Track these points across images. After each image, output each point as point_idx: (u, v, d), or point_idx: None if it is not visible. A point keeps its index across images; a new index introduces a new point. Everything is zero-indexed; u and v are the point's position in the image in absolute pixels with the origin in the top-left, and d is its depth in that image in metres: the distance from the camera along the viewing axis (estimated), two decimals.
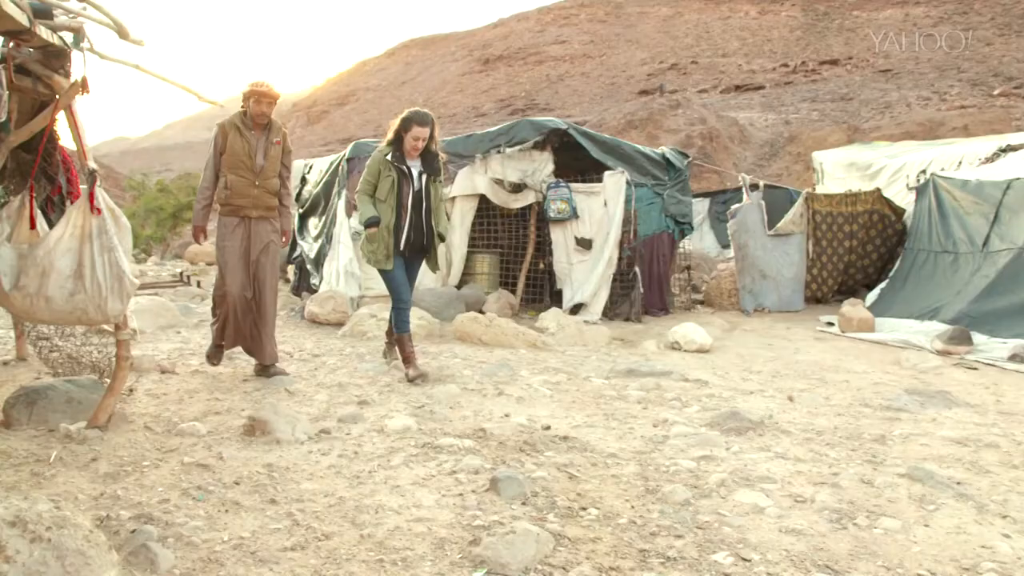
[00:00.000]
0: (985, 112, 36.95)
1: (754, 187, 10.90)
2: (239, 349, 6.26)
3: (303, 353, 7.23)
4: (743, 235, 10.40)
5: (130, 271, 4.09)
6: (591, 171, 10.23)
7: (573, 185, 9.92)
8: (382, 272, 6.13)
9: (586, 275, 9.65)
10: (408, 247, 6.11)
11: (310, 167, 13.14)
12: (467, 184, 10.16)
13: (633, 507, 3.38)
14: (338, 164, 11.27)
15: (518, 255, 10.73)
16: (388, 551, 2.84)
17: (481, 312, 9.00)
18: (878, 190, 10.96)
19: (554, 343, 7.86)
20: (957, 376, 7.04)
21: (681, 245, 10.98)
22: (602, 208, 9.72)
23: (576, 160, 10.36)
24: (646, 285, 10.00)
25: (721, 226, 14.61)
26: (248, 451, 3.97)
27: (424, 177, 6.10)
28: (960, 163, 11.45)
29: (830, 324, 9.30)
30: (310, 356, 7.10)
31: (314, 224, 12.00)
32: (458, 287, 10.20)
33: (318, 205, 12.00)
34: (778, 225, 10.54)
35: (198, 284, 13.12)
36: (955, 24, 65.26)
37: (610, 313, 9.75)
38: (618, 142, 10.49)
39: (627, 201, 9.73)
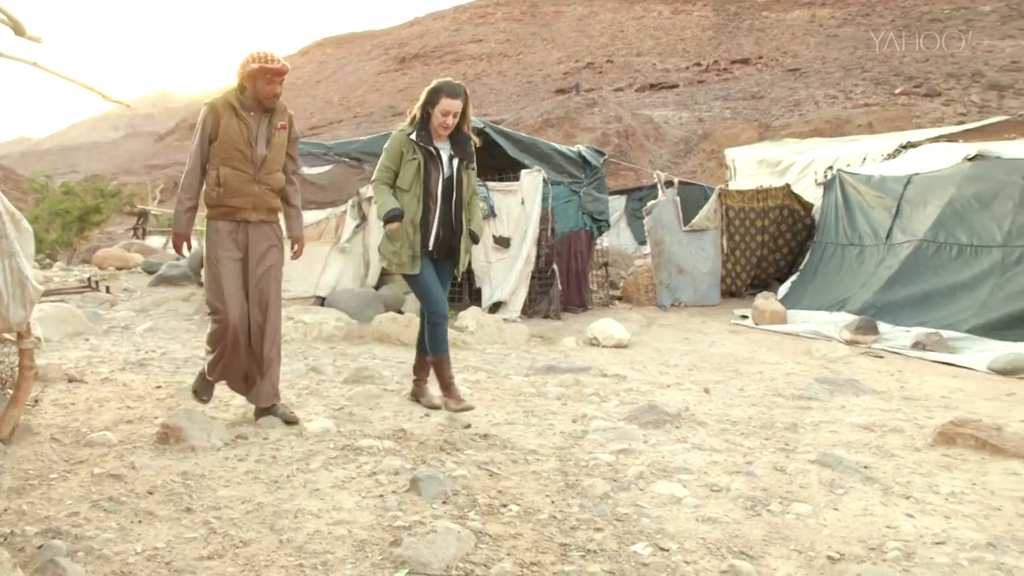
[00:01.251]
0: (888, 110, 38.35)
1: (669, 184, 11.09)
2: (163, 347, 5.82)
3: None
4: (659, 231, 10.58)
5: (33, 277, 3.93)
6: (508, 170, 10.27)
7: (490, 184, 9.95)
8: (408, 278, 5.05)
9: (505, 273, 9.68)
10: (437, 247, 5.00)
11: None
12: None
13: (553, 502, 3.41)
14: None
15: None
16: (308, 555, 2.81)
17: (400, 312, 8.96)
18: (788, 186, 11.29)
19: (474, 342, 7.87)
20: (864, 364, 7.30)
21: (598, 242, 11.11)
22: (519, 206, 9.76)
23: (493, 159, 10.38)
24: (564, 282, 10.09)
25: (638, 223, 14.83)
26: (162, 459, 3.87)
27: (455, 162, 5.02)
28: (864, 159, 11.86)
29: (744, 317, 9.53)
30: None
31: None
32: (376, 287, 10.13)
33: None
34: (693, 221, 10.76)
35: (107, 290, 12.71)
36: (859, 25, 67.53)
37: (529, 311, 9.81)
38: (535, 141, 10.56)
39: (544, 199, 9.79)
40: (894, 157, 11.35)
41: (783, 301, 9.71)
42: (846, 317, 8.86)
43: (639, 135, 33.50)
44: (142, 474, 3.64)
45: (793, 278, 10.38)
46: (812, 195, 11.20)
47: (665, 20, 77.37)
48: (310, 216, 9.83)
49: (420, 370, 5.32)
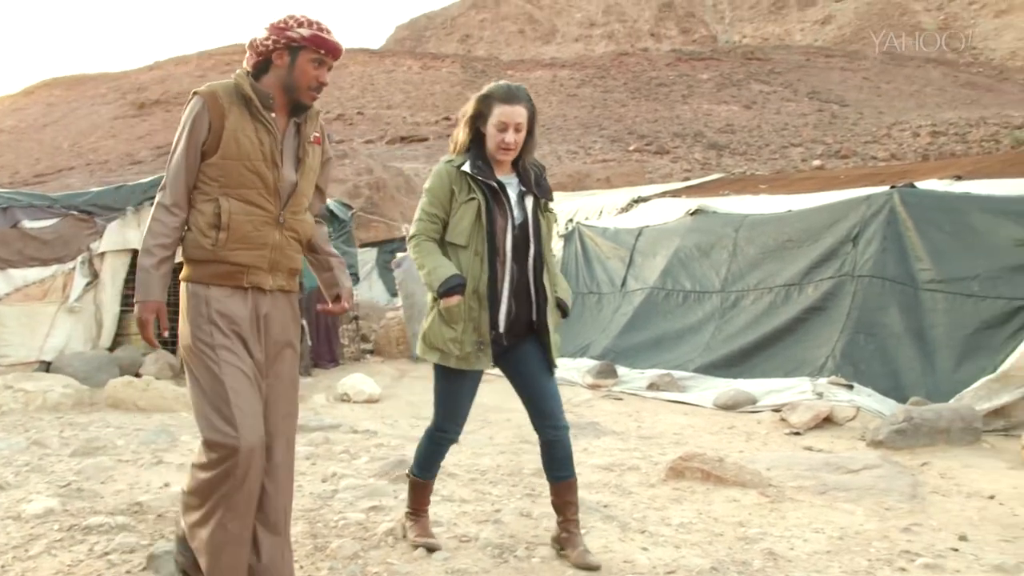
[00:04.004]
0: (623, 165, 41.30)
1: None
2: None
3: None
4: (410, 283, 10.71)
5: None
6: None
7: None
8: (446, 373, 3.47)
9: None
10: (508, 329, 3.41)
11: None
12: (118, 239, 9.50)
13: (302, 567, 3.34)
14: None
15: (177, 313, 10.17)
16: None
17: (137, 375, 8.41)
18: None
19: None
20: (605, 407, 7.75)
21: None
22: None
23: None
24: (314, 337, 9.94)
25: (389, 275, 14.88)
26: None
27: (529, 202, 3.45)
28: (601, 212, 12.68)
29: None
30: None
31: None
32: (111, 349, 9.46)
33: None
34: None
35: None
36: (596, 87, 72.43)
37: None
38: None
39: None
40: (627, 211, 12.24)
41: None
42: (588, 362, 9.37)
43: (390, 187, 33.76)
44: None
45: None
46: (555, 246, 11.82)
47: (414, 75, 79.02)
48: (33, 274, 9.04)
49: (418, 497, 3.76)
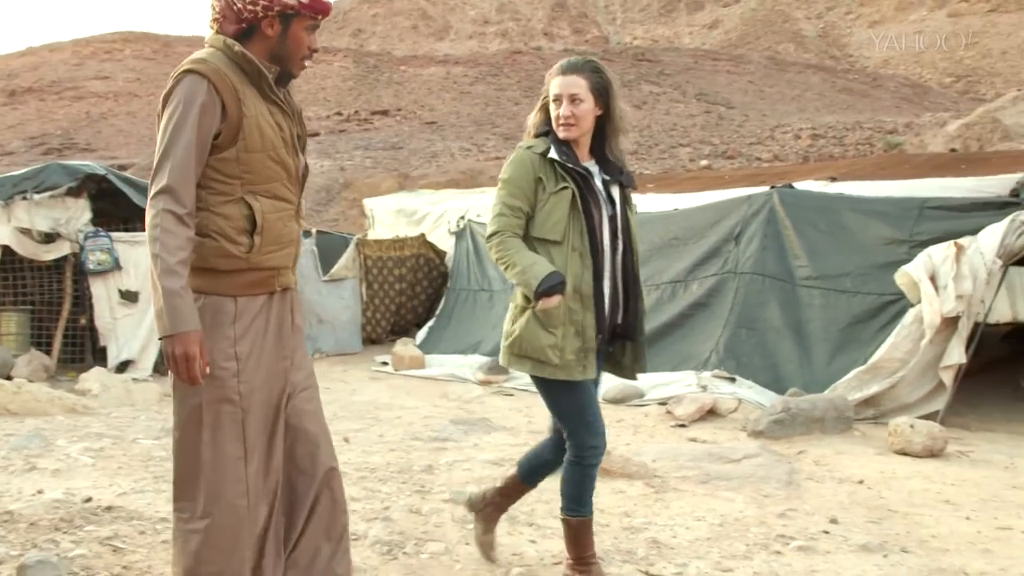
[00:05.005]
0: None
1: (307, 234, 11.11)
2: None
3: None
4: (298, 281, 10.52)
5: None
6: (136, 219, 9.66)
7: (115, 235, 9.29)
8: (557, 385, 3.02)
9: (133, 330, 9.07)
10: (606, 331, 3.09)
11: None
12: None
13: None
14: None
15: (53, 312, 9.75)
16: None
17: (9, 378, 8.02)
18: (423, 235, 11.81)
19: (98, 406, 7.25)
20: (496, 403, 7.80)
21: None
22: (148, 258, 9.21)
23: (118, 208, 9.72)
24: None
25: None
26: None
27: (616, 191, 3.12)
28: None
29: (385, 363, 9.76)
30: None
31: None
32: None
33: None
34: (332, 270, 10.86)
35: None
36: (489, 84, 72.63)
37: (162, 368, 9.24)
38: None
39: None
40: None
41: (421, 346, 10.10)
42: (480, 359, 9.41)
43: None
44: None
45: (430, 323, 10.85)
46: (446, 244, 11.80)
47: (307, 69, 77.62)
48: None
49: (580, 541, 3.18)
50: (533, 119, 3.16)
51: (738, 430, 6.24)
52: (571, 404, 3.03)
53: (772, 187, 8.08)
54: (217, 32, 2.52)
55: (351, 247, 11.15)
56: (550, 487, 4.62)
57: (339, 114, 59.43)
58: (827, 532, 3.93)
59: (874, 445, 5.79)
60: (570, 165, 2.99)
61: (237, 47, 2.45)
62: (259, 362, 2.48)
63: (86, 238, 9.08)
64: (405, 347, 9.79)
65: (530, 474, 3.33)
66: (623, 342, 3.17)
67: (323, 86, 72.85)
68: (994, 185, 7.20)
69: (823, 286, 7.32)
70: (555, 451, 3.22)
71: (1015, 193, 6.90)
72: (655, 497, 4.43)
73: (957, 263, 6.37)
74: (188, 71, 2.40)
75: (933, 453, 5.46)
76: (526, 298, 2.99)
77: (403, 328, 11.64)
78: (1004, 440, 6.24)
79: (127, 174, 10.51)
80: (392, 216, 13.15)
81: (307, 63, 2.62)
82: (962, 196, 7.23)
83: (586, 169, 3.02)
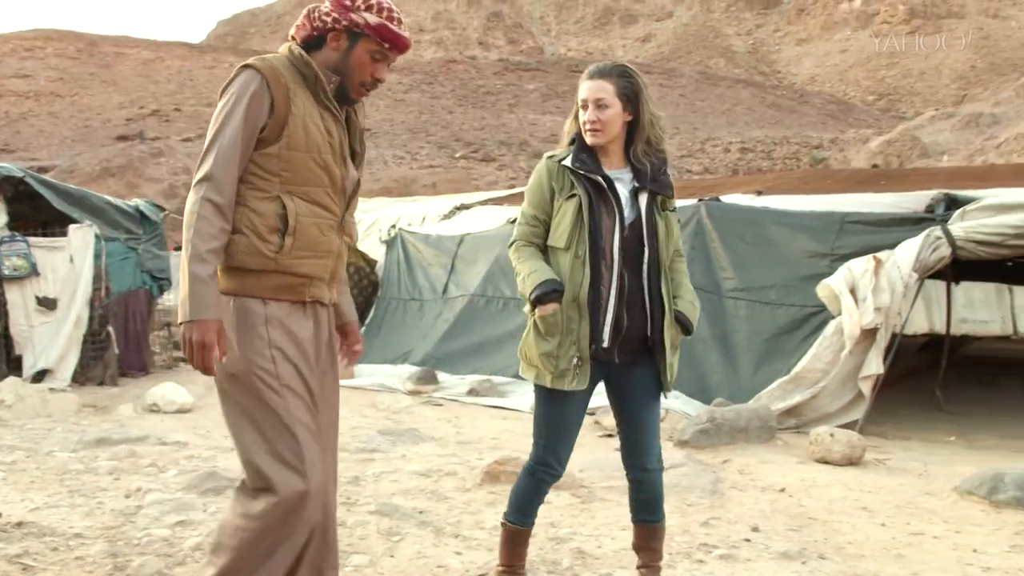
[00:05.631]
0: (450, 172, 41.62)
1: None
2: None
3: None
4: None
5: None
6: (55, 223, 9.39)
7: (32, 239, 9.01)
8: (545, 393, 3.01)
9: (51, 338, 8.80)
10: (618, 345, 2.96)
11: None
12: None
13: None
14: None
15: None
16: None
17: None
18: (353, 243, 11.73)
19: (11, 417, 7.00)
20: (426, 413, 7.77)
21: (160, 301, 10.59)
22: (68, 264, 8.97)
23: (36, 211, 9.43)
24: (122, 345, 9.42)
25: None
26: None
27: (644, 198, 2.98)
28: (424, 219, 12.69)
29: None
30: None
31: None
32: None
33: None
34: None
35: None
36: (423, 92, 72.53)
37: (81, 378, 8.99)
38: (85, 193, 9.81)
39: (97, 256, 9.12)
40: (449, 218, 12.32)
41: None
42: (409, 369, 9.36)
43: None
44: None
45: (361, 333, 10.75)
46: (377, 252, 11.72)
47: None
48: None
49: (512, 549, 3.17)
50: (567, 127, 3.10)
51: (665, 440, 6.29)
52: (551, 416, 3.03)
53: (700, 200, 8.21)
54: (291, 33, 2.58)
55: None
56: (476, 499, 4.62)
57: None
58: (748, 540, 4.00)
59: (796, 454, 5.91)
60: (581, 172, 2.94)
61: (298, 51, 2.50)
62: (293, 371, 2.43)
63: (1, 243, 8.79)
64: None
65: (513, 509, 3.18)
66: (651, 351, 2.99)
67: None
68: (911, 201, 7.44)
69: (748, 298, 7.47)
70: (627, 477, 3.22)
71: (930, 209, 7.14)
72: (581, 507, 4.45)
73: (876, 277, 6.56)
74: (246, 66, 2.45)
75: (852, 461, 5.60)
76: (532, 306, 2.97)
77: None
78: (919, 448, 6.43)
79: (47, 177, 10.24)
80: None
81: (368, 92, 2.58)
82: (881, 211, 7.45)
83: (605, 176, 2.95)
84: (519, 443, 6.35)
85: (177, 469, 5.18)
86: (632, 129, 2.96)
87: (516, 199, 12.65)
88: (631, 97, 2.92)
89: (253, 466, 2.39)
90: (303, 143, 2.43)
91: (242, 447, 2.43)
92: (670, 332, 2.96)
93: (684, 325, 3.00)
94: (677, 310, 2.98)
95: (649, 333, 2.96)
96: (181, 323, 2.28)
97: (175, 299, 13.14)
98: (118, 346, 9.37)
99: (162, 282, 10.17)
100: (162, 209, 10.51)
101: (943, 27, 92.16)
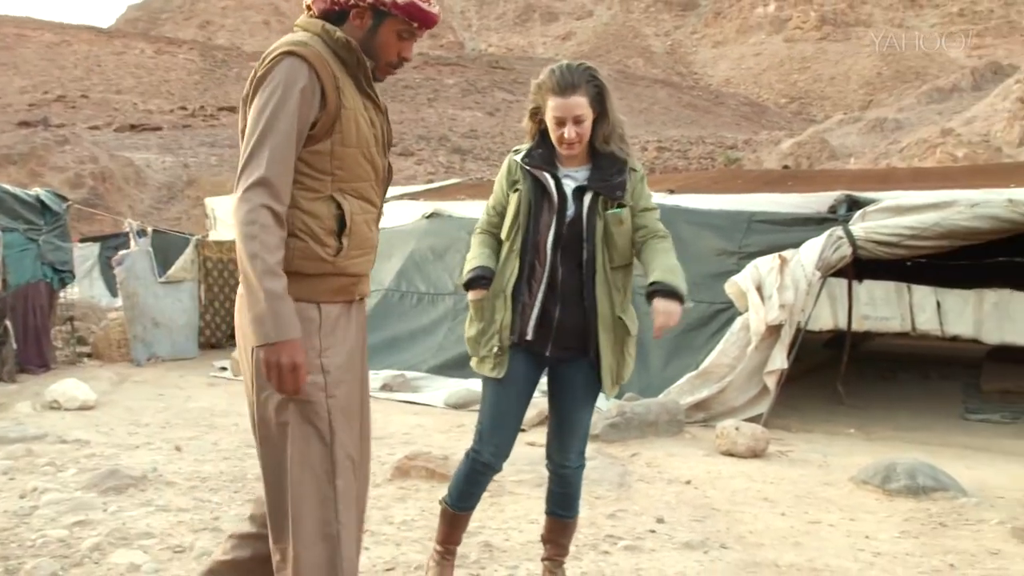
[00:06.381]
0: None
1: (142, 233, 10.63)
2: None
3: None
4: (132, 283, 10.05)
5: None
6: None
7: None
8: (486, 381, 3.07)
9: None
10: (544, 338, 2.98)
11: None
12: None
13: None
14: None
15: None
16: None
17: None
18: None
19: None
20: None
21: (62, 295, 10.23)
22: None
23: None
24: (21, 340, 9.05)
25: (111, 273, 13.95)
26: None
27: (588, 198, 2.96)
28: None
29: (224, 369, 9.45)
30: None
31: None
32: None
33: None
34: (169, 272, 10.44)
35: None
36: None
37: None
38: None
39: None
40: None
41: None
42: None
43: (118, 178, 31.54)
44: None
45: None
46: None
47: (148, 59, 74.26)
48: None
49: (445, 530, 3.22)
50: (526, 125, 3.08)
51: None
52: (483, 400, 3.09)
53: None
54: (308, 12, 2.34)
55: (190, 248, 10.76)
56: (385, 494, 4.61)
57: (184, 108, 57.22)
58: (653, 531, 4.08)
59: (703, 447, 6.05)
60: (527, 167, 2.99)
61: (338, 33, 2.26)
62: (343, 377, 2.28)
63: None
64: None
65: (451, 493, 3.19)
66: (587, 354, 2.99)
67: (166, 78, 69.97)
68: (815, 202, 7.68)
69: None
70: (547, 469, 3.21)
71: (833, 210, 7.38)
72: (490, 501, 4.47)
73: (781, 275, 6.76)
74: (287, 52, 2.19)
75: (756, 453, 5.77)
76: (466, 290, 3.05)
77: None
78: (821, 440, 6.65)
79: None
80: (233, 216, 12.75)
81: (395, 71, 2.43)
82: (787, 211, 7.67)
83: (552, 173, 2.97)
84: (431, 438, 6.35)
85: (77, 468, 5.02)
86: (597, 124, 2.95)
87: (431, 194, 12.63)
88: (597, 96, 2.92)
89: (305, 506, 2.21)
90: (355, 139, 2.26)
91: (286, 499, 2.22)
92: (610, 335, 2.94)
93: (663, 293, 2.83)
94: (653, 282, 2.86)
95: (585, 332, 2.95)
96: (261, 345, 2.08)
97: (80, 292, 12.73)
98: (16, 341, 9.02)
99: (64, 275, 9.82)
100: (65, 199, 10.14)
101: (852, 35, 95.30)
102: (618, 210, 2.95)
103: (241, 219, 2.11)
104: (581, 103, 2.86)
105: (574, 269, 2.93)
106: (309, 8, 2.34)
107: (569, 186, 2.96)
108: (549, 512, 3.20)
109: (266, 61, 2.21)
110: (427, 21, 2.34)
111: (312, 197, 2.23)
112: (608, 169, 2.96)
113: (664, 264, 2.91)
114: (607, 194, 2.94)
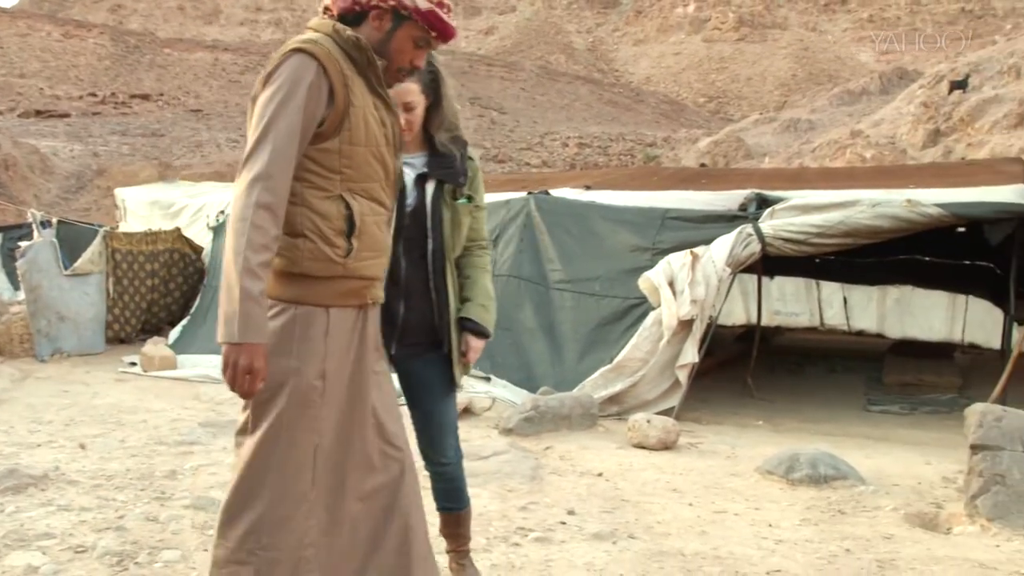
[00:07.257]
0: None
1: (46, 223, 10.28)
2: None
3: None
4: (35, 275, 9.70)
5: None
6: None
7: None
8: None
9: None
10: (388, 337, 2.83)
11: None
12: None
13: None
14: None
15: None
16: None
17: None
18: (178, 229, 11.21)
19: None
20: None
21: None
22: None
23: None
24: None
25: (13, 265, 13.47)
26: None
27: (431, 187, 2.87)
28: None
29: (133, 364, 9.21)
30: None
31: None
32: None
33: None
34: (75, 265, 10.10)
35: None
36: (257, 73, 70.16)
37: None
38: None
39: None
40: None
41: (174, 346, 9.60)
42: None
43: (22, 166, 30.36)
44: None
45: (184, 322, 10.33)
46: (204, 239, 11.28)
47: (55, 42, 71.49)
48: None
49: (449, 532, 3.22)
50: None
51: (491, 428, 6.43)
52: None
53: (529, 193, 8.38)
54: (325, 14, 2.36)
55: (98, 239, 10.42)
56: None
57: (93, 95, 55.34)
58: (564, 523, 4.15)
59: (616, 440, 6.15)
60: None
61: (348, 32, 2.27)
62: (342, 385, 2.31)
63: None
64: (156, 347, 9.27)
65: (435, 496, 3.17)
66: (440, 347, 2.91)
67: (75, 63, 67.55)
68: (726, 200, 7.87)
69: (574, 289, 7.69)
70: (427, 470, 3.10)
71: (743, 208, 7.58)
72: None
73: (693, 271, 6.92)
74: (296, 50, 2.21)
75: (667, 446, 5.89)
76: None
77: (155, 327, 11.02)
78: (730, 432, 6.83)
79: None
80: (146, 208, 12.41)
81: (403, 79, 2.48)
82: (699, 209, 7.85)
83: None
84: None
85: None
86: (431, 112, 2.86)
87: None
88: (430, 83, 2.83)
89: (247, 508, 2.29)
90: (363, 137, 2.26)
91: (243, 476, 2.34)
92: (456, 327, 2.90)
93: (475, 332, 2.91)
94: (464, 317, 2.89)
95: (435, 325, 2.88)
96: (225, 342, 2.08)
97: None
98: None
99: None
100: None
101: (768, 37, 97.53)
102: (467, 201, 2.92)
103: (236, 214, 2.12)
104: (412, 89, 2.77)
105: (417, 261, 2.85)
106: (327, 10, 2.37)
107: (409, 175, 2.85)
108: (441, 508, 3.15)
109: (275, 58, 2.24)
110: (445, 32, 2.38)
111: (321, 196, 2.24)
112: (448, 156, 2.88)
113: (481, 294, 2.94)
114: (451, 181, 2.87)
